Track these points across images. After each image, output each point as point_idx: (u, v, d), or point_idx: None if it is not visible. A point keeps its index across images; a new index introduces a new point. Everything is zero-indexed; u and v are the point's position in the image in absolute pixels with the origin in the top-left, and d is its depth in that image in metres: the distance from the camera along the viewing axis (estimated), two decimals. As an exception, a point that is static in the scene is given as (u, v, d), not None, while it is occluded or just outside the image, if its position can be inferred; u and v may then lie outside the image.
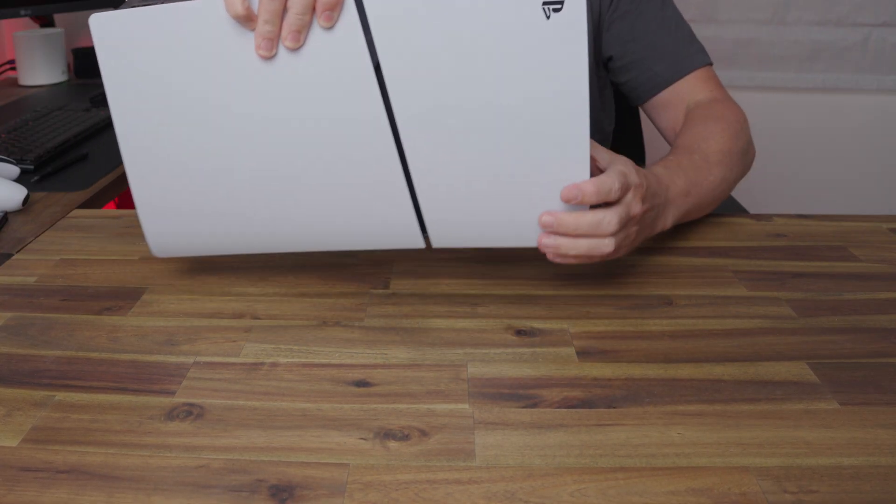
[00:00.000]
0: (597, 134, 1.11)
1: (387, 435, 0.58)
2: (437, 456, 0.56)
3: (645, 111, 1.08)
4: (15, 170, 1.12)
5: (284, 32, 0.65)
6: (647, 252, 0.86)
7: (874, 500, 0.51)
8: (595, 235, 0.68)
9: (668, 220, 0.81)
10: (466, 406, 0.61)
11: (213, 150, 0.70)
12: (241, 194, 0.72)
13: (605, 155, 0.72)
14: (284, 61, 0.67)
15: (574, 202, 0.67)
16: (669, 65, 1.01)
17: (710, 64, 1.03)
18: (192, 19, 0.67)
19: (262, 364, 0.67)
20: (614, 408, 0.61)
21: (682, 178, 0.83)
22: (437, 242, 0.73)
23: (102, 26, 0.68)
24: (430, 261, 0.85)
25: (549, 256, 0.70)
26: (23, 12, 1.70)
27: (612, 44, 1.03)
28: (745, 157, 0.95)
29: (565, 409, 0.61)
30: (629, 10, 1.02)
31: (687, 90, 1.01)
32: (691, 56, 1.01)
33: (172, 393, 0.63)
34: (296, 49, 0.66)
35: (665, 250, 0.88)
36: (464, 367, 0.66)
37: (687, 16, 1.06)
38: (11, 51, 1.93)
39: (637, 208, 0.71)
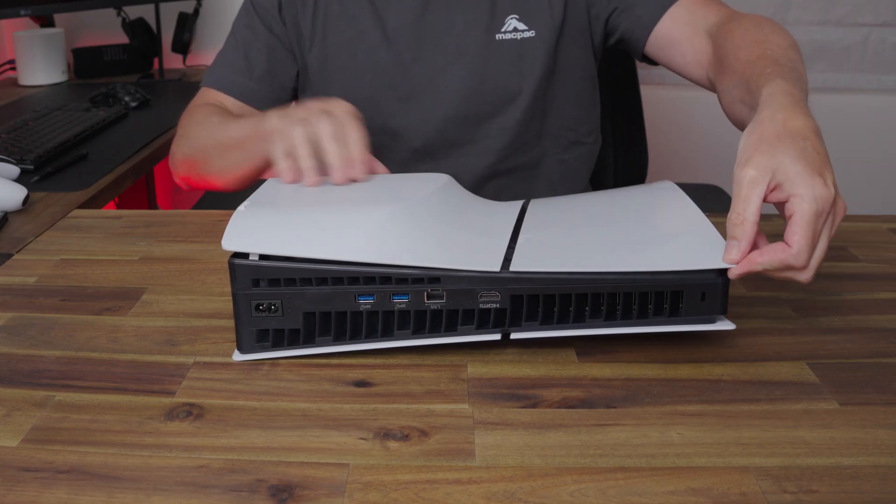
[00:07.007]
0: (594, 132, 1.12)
1: (387, 435, 0.58)
2: (437, 456, 0.56)
3: (658, 61, 1.03)
4: (15, 170, 1.12)
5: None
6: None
7: (874, 500, 0.51)
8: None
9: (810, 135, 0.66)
10: (466, 406, 0.61)
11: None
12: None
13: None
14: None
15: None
16: (650, 3, 0.99)
17: None
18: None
19: (262, 364, 0.67)
20: (614, 408, 0.61)
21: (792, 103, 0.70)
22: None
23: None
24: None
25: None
26: (23, 12, 1.70)
27: (601, 8, 1.02)
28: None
29: (565, 409, 0.61)
30: None
31: (688, 19, 0.97)
32: None
33: (172, 393, 0.63)
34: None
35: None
36: (464, 367, 0.66)
37: (686, 16, 1.06)
38: (11, 51, 1.93)
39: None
